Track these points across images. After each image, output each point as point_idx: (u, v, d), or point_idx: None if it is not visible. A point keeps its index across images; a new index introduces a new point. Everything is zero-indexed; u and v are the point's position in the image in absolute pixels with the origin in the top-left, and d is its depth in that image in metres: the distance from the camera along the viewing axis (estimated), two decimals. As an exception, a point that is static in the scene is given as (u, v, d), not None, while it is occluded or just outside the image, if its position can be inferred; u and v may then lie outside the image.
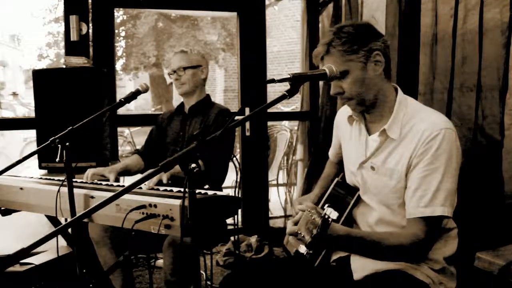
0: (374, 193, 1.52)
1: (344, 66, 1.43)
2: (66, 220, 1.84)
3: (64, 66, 3.01)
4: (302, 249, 1.21)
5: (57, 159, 1.68)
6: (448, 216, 1.39)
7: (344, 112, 1.69)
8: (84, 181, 2.05)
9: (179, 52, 2.42)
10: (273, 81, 1.35)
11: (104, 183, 1.99)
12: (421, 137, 1.39)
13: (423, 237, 1.37)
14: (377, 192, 1.51)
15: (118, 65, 13.80)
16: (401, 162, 1.43)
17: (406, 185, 1.43)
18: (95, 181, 2.05)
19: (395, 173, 1.45)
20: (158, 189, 1.80)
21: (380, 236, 1.42)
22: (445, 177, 1.37)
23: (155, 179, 1.93)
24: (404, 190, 1.44)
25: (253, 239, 3.29)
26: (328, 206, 1.13)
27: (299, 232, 1.21)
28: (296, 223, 1.30)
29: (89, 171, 2.11)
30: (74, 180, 1.90)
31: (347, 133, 1.66)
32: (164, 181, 1.94)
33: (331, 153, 1.89)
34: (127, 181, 2.19)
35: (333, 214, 1.12)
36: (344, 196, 1.63)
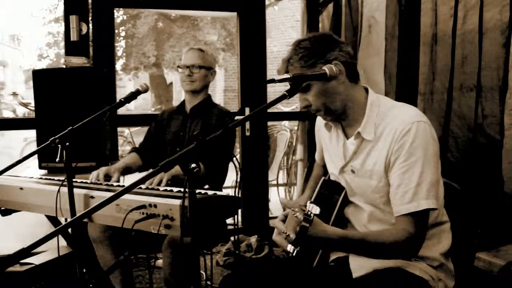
0: (359, 194, 1.53)
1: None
2: (66, 220, 1.84)
3: (64, 66, 3.01)
4: (290, 247, 1.22)
5: (57, 159, 1.68)
6: (434, 208, 1.39)
7: (322, 119, 1.68)
8: (93, 181, 2.03)
9: (196, 49, 2.41)
10: (273, 81, 1.35)
11: (104, 183, 1.99)
12: (395, 134, 1.40)
13: (413, 232, 1.37)
14: (361, 193, 1.52)
15: (118, 65, 13.82)
16: (379, 162, 1.44)
17: (388, 183, 1.43)
18: (96, 181, 2.05)
19: (374, 173, 1.45)
20: (158, 189, 1.80)
21: (371, 234, 1.43)
22: (424, 170, 1.37)
23: (156, 180, 1.93)
24: (386, 188, 1.44)
25: (253, 239, 3.29)
26: (311, 202, 1.15)
27: (285, 232, 1.23)
28: (283, 221, 1.33)
29: (99, 172, 2.07)
30: (74, 180, 1.90)
31: (326, 139, 1.67)
32: (163, 183, 1.93)
33: (317, 156, 1.90)
34: (127, 181, 2.19)
35: (314, 209, 1.14)
36: (331, 196, 1.62)
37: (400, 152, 1.38)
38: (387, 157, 1.41)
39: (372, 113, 1.47)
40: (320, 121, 1.73)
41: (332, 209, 1.58)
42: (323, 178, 1.72)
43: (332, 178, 1.67)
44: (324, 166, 1.85)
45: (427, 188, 1.36)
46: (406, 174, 1.38)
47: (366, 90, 1.53)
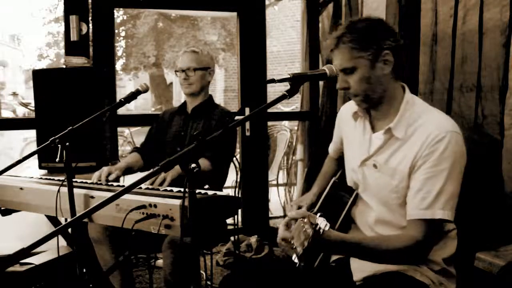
0: (374, 191, 1.51)
1: (352, 62, 1.42)
2: (66, 220, 1.84)
3: (64, 66, 3.01)
4: (295, 258, 1.20)
5: (57, 159, 1.68)
6: (448, 220, 1.38)
7: (348, 108, 1.67)
8: (96, 181, 2.02)
9: (190, 51, 2.40)
10: (273, 81, 1.35)
11: (103, 183, 1.99)
12: (427, 138, 1.38)
13: (421, 240, 1.36)
14: (377, 191, 1.50)
15: (118, 65, 13.82)
16: (404, 162, 1.42)
17: (408, 185, 1.42)
18: (97, 181, 2.04)
19: (397, 172, 1.44)
20: (158, 189, 1.80)
21: (378, 240, 1.41)
22: (448, 181, 1.36)
23: (158, 180, 1.91)
24: (405, 190, 1.43)
25: (253, 239, 3.29)
26: (320, 215, 1.12)
27: (291, 241, 1.20)
28: (287, 225, 1.31)
29: (102, 173, 2.06)
30: (74, 180, 1.90)
31: (350, 129, 1.64)
32: (166, 182, 1.92)
33: (332, 148, 1.88)
34: (127, 181, 2.19)
35: (324, 224, 1.11)
36: (341, 197, 1.62)
37: (428, 157, 1.37)
38: (414, 160, 1.40)
39: (406, 111, 1.45)
40: (344, 112, 1.71)
41: (341, 211, 1.57)
42: (333, 179, 1.70)
43: (347, 171, 1.65)
44: (337, 160, 1.84)
45: (445, 199, 1.35)
46: (429, 181, 1.36)
47: (404, 89, 1.51)
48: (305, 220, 1.17)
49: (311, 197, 1.78)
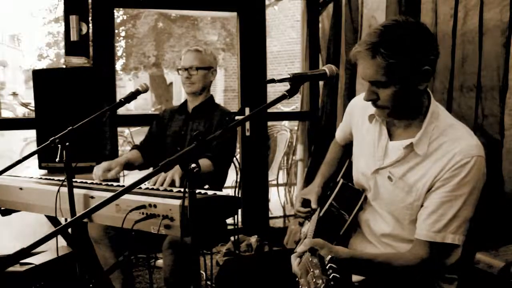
0: (386, 203, 1.45)
1: (386, 75, 1.28)
2: (66, 220, 1.83)
3: (64, 66, 3.01)
4: None
5: (57, 159, 1.68)
6: (457, 245, 1.33)
7: (363, 104, 1.48)
8: (98, 181, 2.02)
9: (193, 50, 2.40)
10: (273, 81, 1.34)
11: (104, 183, 1.99)
12: (450, 161, 1.30)
13: (428, 259, 1.33)
14: (390, 203, 1.44)
15: (118, 65, 13.80)
16: (423, 180, 1.35)
17: (422, 204, 1.36)
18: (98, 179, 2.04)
19: (414, 190, 1.37)
20: (158, 189, 1.79)
21: (387, 257, 1.36)
22: (464, 206, 1.30)
23: (168, 180, 1.86)
24: (419, 208, 1.37)
25: (253, 239, 3.29)
26: (330, 267, 0.98)
27: (299, 279, 1.09)
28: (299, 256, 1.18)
29: (98, 170, 2.06)
30: (74, 180, 1.90)
31: (363, 128, 1.55)
32: (177, 183, 1.86)
33: (339, 135, 1.79)
34: (127, 181, 2.19)
35: (335, 276, 0.97)
36: (349, 201, 1.55)
37: (449, 181, 1.30)
38: (434, 179, 1.33)
39: (430, 125, 1.36)
40: (359, 105, 1.60)
41: (349, 214, 1.53)
42: (342, 181, 1.60)
43: (356, 173, 1.58)
44: (344, 147, 1.78)
45: (458, 224, 1.31)
46: (445, 205, 1.31)
47: (429, 97, 1.40)
48: (315, 260, 1.06)
49: (316, 189, 1.71)
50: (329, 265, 1.00)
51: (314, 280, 1.01)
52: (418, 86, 1.33)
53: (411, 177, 1.38)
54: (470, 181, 1.29)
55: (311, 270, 1.04)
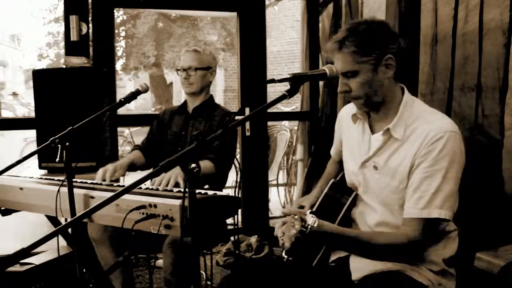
0: (376, 193, 1.51)
1: (354, 66, 1.41)
2: (66, 220, 1.83)
3: (64, 66, 3.01)
4: (283, 253, 1.25)
5: (57, 159, 1.68)
6: (445, 219, 1.38)
7: (348, 109, 1.68)
8: (100, 181, 2.01)
9: (191, 50, 2.40)
10: (273, 81, 1.35)
11: (104, 183, 1.98)
12: (425, 138, 1.39)
13: (416, 238, 1.37)
14: (379, 192, 1.50)
15: (118, 65, 13.80)
16: (404, 162, 1.43)
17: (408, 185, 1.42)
18: (102, 181, 2.03)
19: (397, 173, 1.44)
20: (157, 189, 1.79)
21: (372, 234, 1.43)
22: (445, 180, 1.36)
23: (172, 181, 1.84)
24: (406, 191, 1.43)
25: (253, 239, 3.29)
26: (310, 212, 1.16)
27: (281, 237, 1.23)
28: (283, 223, 1.32)
29: (107, 172, 2.03)
30: (74, 180, 1.89)
31: (349, 131, 1.65)
32: (181, 184, 1.83)
33: (333, 151, 1.88)
34: (127, 181, 2.19)
35: (312, 220, 1.16)
36: (340, 197, 1.62)
37: (426, 157, 1.38)
38: (413, 159, 1.40)
39: (405, 112, 1.46)
40: (343, 114, 1.72)
41: (339, 211, 1.57)
42: (332, 180, 1.71)
43: (347, 173, 1.65)
44: (339, 163, 1.83)
45: (442, 198, 1.36)
46: (426, 180, 1.37)
47: (402, 90, 1.52)
48: (296, 216, 1.21)
49: (312, 199, 1.78)
50: (309, 216, 1.18)
51: (293, 225, 1.18)
52: (384, 74, 1.43)
53: (393, 161, 1.46)
54: (447, 155, 1.36)
55: (293, 223, 1.20)
